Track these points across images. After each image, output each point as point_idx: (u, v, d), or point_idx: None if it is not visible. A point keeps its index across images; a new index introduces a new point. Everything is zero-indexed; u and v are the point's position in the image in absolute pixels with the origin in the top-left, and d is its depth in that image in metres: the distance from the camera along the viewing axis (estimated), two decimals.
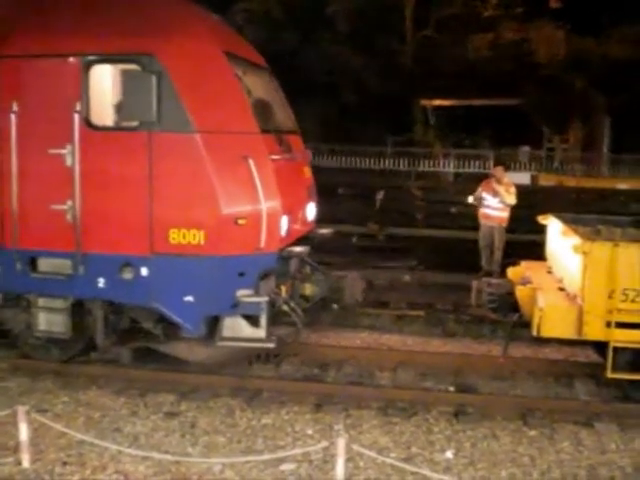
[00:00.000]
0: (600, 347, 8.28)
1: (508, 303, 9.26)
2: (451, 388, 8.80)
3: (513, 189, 13.44)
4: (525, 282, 9.05)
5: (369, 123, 35.95)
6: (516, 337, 9.42)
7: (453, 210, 23.54)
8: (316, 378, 9.06)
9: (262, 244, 7.79)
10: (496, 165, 15.52)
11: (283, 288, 8.43)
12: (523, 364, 9.34)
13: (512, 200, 13.38)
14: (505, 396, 8.53)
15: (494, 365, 9.20)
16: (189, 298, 7.83)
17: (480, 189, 13.70)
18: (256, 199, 7.73)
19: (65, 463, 6.68)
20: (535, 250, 10.78)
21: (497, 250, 13.48)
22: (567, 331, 7.91)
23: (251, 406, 8.05)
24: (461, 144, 37.40)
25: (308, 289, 9.08)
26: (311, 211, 9.57)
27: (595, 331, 7.78)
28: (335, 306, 9.46)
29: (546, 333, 7.99)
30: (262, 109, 8.66)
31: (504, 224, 13.54)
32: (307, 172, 9.73)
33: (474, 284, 9.87)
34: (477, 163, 34.47)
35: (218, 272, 7.79)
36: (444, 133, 38.71)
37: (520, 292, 8.85)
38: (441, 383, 8.95)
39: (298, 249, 8.71)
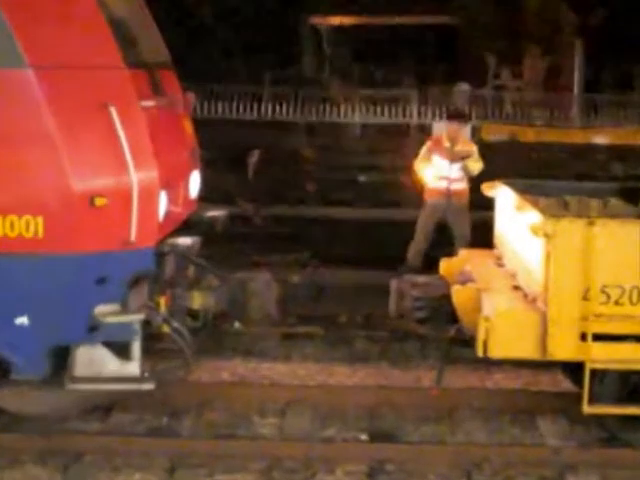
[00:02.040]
0: (573, 370, 8.52)
1: (442, 311, 9.43)
2: (363, 437, 8.91)
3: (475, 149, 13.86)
4: (465, 280, 9.24)
5: (236, 55, 35.92)
6: (455, 359, 9.60)
7: (361, 178, 23.81)
8: (166, 431, 9.02)
9: (132, 235, 7.60)
10: (451, 117, 15.28)
11: (161, 300, 8.31)
12: (466, 397, 9.54)
13: (479, 167, 13.67)
14: (441, 445, 8.70)
15: (424, 400, 9.38)
16: (22, 320, 7.59)
17: (427, 150, 13.77)
18: (122, 167, 7.52)
19: None
20: (478, 233, 11.01)
21: (461, 238, 13.28)
22: (525, 349, 8.09)
23: (67, 477, 7.93)
24: (371, 82, 37.77)
25: (197, 300, 8.93)
26: (195, 184, 9.54)
27: (565, 348, 7.96)
28: (237, 324, 9.36)
29: (496, 353, 8.13)
30: (127, 34, 8.50)
31: (465, 200, 13.73)
32: (189, 126, 9.72)
33: (393, 284, 10.03)
34: (395, 109, 34.88)
35: (66, 279, 7.58)
36: (346, 66, 39.03)
37: (458, 294, 9.01)
38: (349, 430, 9.04)
39: (184, 241, 8.69)
